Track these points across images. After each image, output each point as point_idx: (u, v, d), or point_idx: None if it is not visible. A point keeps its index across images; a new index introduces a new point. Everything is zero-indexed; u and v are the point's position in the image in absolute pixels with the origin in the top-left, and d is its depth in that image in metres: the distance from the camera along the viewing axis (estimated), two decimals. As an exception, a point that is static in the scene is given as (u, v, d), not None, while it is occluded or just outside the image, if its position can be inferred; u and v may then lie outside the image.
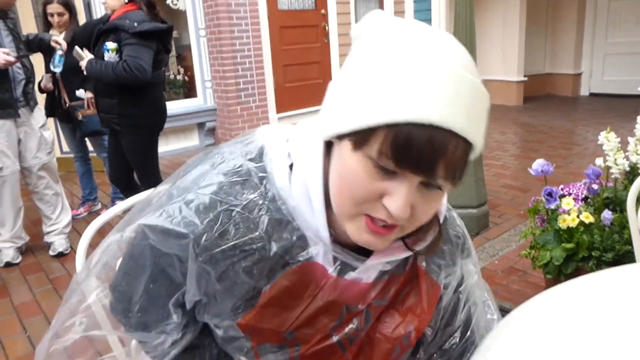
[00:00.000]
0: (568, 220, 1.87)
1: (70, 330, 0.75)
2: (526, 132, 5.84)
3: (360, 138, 0.55)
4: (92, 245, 0.89)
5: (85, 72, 2.77)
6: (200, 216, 0.63)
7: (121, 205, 1.10)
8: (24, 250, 3.11)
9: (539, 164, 2.00)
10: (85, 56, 2.76)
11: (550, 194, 1.97)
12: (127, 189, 3.08)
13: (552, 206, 1.95)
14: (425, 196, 0.58)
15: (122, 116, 2.78)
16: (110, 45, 2.67)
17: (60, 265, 2.96)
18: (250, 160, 0.67)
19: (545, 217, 2.05)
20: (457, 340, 0.81)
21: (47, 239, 3.12)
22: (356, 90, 0.56)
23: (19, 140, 2.88)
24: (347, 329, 0.70)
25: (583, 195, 2.04)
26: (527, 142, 5.39)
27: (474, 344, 0.81)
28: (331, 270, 0.67)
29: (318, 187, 0.62)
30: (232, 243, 0.63)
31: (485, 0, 6.95)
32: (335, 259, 0.67)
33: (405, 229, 0.61)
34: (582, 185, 2.07)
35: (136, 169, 2.98)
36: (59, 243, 3.07)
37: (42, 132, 2.97)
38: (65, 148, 4.42)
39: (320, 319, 0.69)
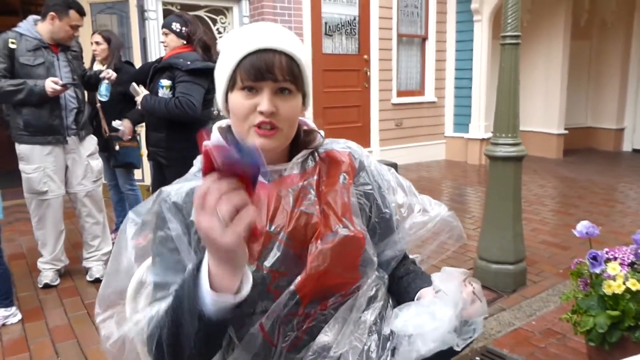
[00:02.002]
0: (614, 287, 1.80)
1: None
2: (566, 187, 5.71)
3: (230, 82, 0.94)
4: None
5: (139, 107, 2.90)
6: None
7: None
8: (62, 273, 3.19)
9: (584, 226, 1.94)
10: (141, 92, 2.90)
11: (595, 258, 1.91)
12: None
13: (597, 270, 1.89)
14: (282, 99, 0.93)
15: (169, 150, 2.88)
16: (165, 82, 2.80)
17: (96, 291, 2.95)
18: None
19: (589, 281, 1.98)
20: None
21: (85, 264, 3.19)
22: (219, 68, 0.97)
23: (67, 167, 3.00)
24: (305, 202, 0.98)
25: (629, 261, 1.97)
26: (567, 197, 5.27)
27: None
28: (266, 180, 0.98)
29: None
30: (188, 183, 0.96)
31: (527, 52, 6.96)
32: (264, 173, 0.93)
33: (282, 130, 0.94)
34: (629, 250, 2.00)
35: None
36: (96, 269, 3.14)
37: (89, 161, 3.08)
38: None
39: (282, 205, 0.96)
